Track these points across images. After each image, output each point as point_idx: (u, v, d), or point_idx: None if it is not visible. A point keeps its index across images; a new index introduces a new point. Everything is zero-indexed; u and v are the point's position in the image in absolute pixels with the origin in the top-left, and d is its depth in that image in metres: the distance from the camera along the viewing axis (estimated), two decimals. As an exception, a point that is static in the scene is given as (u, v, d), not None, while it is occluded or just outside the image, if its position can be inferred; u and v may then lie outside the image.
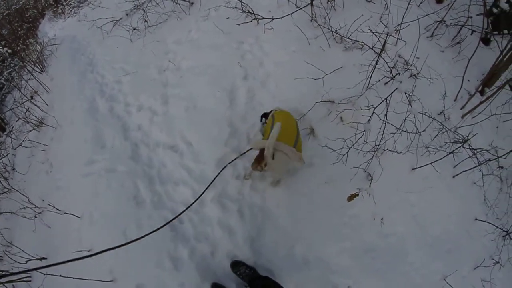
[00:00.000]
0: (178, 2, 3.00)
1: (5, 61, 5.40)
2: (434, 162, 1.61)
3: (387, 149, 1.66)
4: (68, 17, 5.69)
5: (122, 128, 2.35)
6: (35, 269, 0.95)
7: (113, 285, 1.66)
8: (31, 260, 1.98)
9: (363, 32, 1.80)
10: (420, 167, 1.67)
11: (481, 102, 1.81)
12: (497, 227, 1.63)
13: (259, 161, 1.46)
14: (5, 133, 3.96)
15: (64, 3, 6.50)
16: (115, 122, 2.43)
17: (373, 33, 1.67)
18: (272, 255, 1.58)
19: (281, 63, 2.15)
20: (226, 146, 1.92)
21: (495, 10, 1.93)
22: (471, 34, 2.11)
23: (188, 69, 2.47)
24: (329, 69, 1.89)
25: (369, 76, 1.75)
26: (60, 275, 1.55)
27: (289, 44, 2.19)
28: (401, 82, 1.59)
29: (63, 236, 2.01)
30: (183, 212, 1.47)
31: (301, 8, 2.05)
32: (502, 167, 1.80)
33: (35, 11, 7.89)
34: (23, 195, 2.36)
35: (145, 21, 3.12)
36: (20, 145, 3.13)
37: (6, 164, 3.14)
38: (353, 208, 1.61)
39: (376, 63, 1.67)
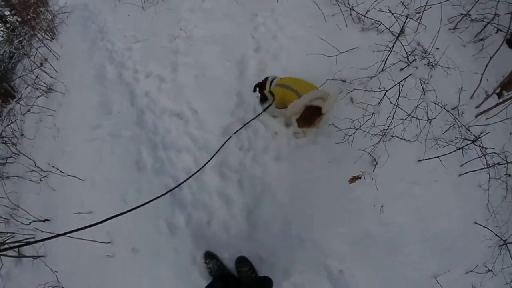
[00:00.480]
0: (194, -31, 2.91)
1: (15, 30, 5.40)
2: (442, 155, 1.57)
3: (395, 136, 1.61)
4: None
5: (129, 94, 2.36)
6: (44, 239, 0.96)
7: (110, 246, 1.70)
8: (34, 221, 2.05)
9: (382, 11, 1.72)
10: (428, 159, 1.62)
11: (497, 104, 1.74)
12: (496, 234, 1.59)
13: (310, 120, 1.51)
14: (15, 100, 4.01)
15: (78, -27, 6.40)
16: (123, 89, 2.43)
17: (392, 13, 1.60)
18: (267, 230, 1.58)
19: (295, 37, 2.09)
20: (232, 116, 1.91)
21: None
22: (496, 32, 2.01)
23: (199, 38, 2.44)
24: (344, 48, 1.83)
25: (385, 59, 1.69)
26: (58, 234, 1.57)
27: (305, 20, 2.13)
28: (417, 68, 1.53)
29: (66, 199, 2.06)
30: (185, 181, 1.47)
31: None
32: (510, 175, 1.75)
33: (47, -23, 7.77)
34: (30, 159, 2.41)
35: None
36: (28, 110, 3.17)
37: (14, 130, 3.19)
38: (354, 191, 1.59)
39: (393, 46, 1.61)
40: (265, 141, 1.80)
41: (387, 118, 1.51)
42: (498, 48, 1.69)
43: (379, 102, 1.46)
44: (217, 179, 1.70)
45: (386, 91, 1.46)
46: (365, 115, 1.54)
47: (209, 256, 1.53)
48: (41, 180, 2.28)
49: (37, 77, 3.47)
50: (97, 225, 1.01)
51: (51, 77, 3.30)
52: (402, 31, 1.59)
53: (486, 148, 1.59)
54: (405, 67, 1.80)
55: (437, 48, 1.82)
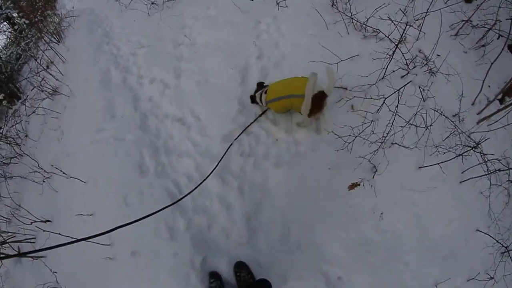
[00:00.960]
0: (199, -22, 2.96)
1: (23, 32, 5.50)
2: (442, 162, 1.57)
3: (395, 143, 1.62)
4: None
5: (133, 99, 2.40)
6: (52, 247, 0.98)
7: (110, 249, 1.71)
8: (36, 222, 2.07)
9: (382, 19, 1.74)
10: (428, 166, 1.62)
11: (499, 110, 1.74)
12: (497, 241, 1.58)
13: (319, 104, 1.60)
14: (20, 101, 4.07)
15: (85, -23, 6.51)
16: (127, 93, 2.47)
17: (392, 21, 1.61)
18: (266, 235, 1.59)
19: (297, 45, 2.12)
20: (234, 122, 1.93)
21: (526, 16, 1.83)
22: (498, 38, 2.01)
23: (203, 44, 2.48)
24: (345, 56, 1.85)
25: (385, 67, 1.70)
26: (60, 233, 1.60)
27: (307, 27, 2.15)
28: (416, 75, 1.54)
29: (68, 200, 2.08)
30: (190, 193, 1.48)
31: None
32: (511, 182, 1.74)
33: (55, -18, 7.91)
34: (34, 160, 2.44)
35: None
36: (33, 112, 3.21)
37: (19, 131, 3.23)
38: (353, 198, 1.59)
39: (393, 53, 1.62)
40: (266, 148, 1.82)
41: (387, 125, 1.52)
42: (499, 53, 1.70)
43: (378, 110, 1.48)
44: (218, 184, 1.72)
45: (385, 98, 1.48)
46: (364, 123, 1.55)
47: (215, 276, 1.53)
48: (44, 181, 2.31)
49: (43, 79, 3.52)
50: (105, 234, 1.02)
51: (56, 79, 3.34)
52: (402, 38, 1.61)
53: (486, 154, 1.59)
54: (405, 75, 1.81)
55: (438, 55, 1.83)
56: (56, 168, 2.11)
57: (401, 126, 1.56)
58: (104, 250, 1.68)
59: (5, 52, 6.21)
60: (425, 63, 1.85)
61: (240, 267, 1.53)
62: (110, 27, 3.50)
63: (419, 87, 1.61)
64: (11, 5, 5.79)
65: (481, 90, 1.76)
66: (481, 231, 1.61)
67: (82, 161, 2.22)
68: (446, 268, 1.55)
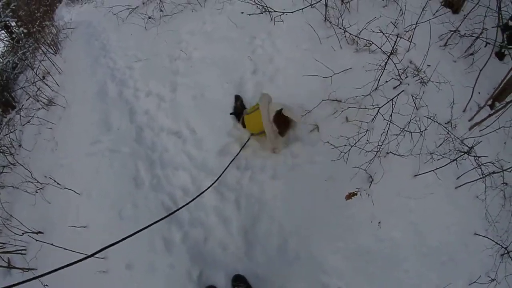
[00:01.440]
0: (195, -6, 3.03)
1: (20, 42, 5.51)
2: (437, 169, 1.59)
3: (390, 152, 1.64)
4: (85, 3, 5.79)
5: (129, 112, 2.41)
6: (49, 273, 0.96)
7: (104, 262, 1.67)
8: (27, 233, 2.02)
9: (374, 32, 1.81)
10: (423, 173, 1.64)
11: (490, 115, 1.78)
12: (496, 243, 1.58)
13: (286, 124, 1.61)
14: (15, 110, 4.04)
15: (82, -11, 6.62)
16: (123, 106, 2.48)
17: (383, 33, 1.67)
18: (264, 247, 1.58)
19: (291, 59, 2.17)
20: (229, 136, 1.94)
21: (511, 23, 1.91)
22: (485, 46, 2.07)
23: (199, 59, 2.52)
24: (339, 69, 1.89)
25: (378, 78, 1.75)
26: (52, 244, 1.57)
27: (301, 42, 2.21)
28: (408, 84, 1.58)
29: (61, 212, 2.05)
30: (186, 204, 1.48)
31: (313, 5, 2.06)
32: (506, 184, 1.76)
33: (53, -6, 7.99)
34: (27, 169, 2.40)
35: (161, 10, 3.16)
36: (28, 121, 3.20)
37: (13, 140, 3.19)
38: (350, 208, 1.59)
39: (385, 65, 1.67)
40: (262, 160, 1.83)
41: (381, 134, 1.54)
42: (487, 60, 1.75)
43: (373, 119, 1.50)
44: (214, 197, 1.72)
45: (379, 108, 1.51)
46: (359, 133, 1.57)
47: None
48: (36, 192, 2.27)
49: (38, 89, 3.51)
50: (102, 251, 1.00)
51: (52, 90, 3.35)
52: (393, 50, 1.66)
53: (480, 157, 1.60)
54: (398, 85, 1.85)
55: (429, 65, 1.87)
56: (50, 178, 2.09)
57: (396, 135, 1.58)
58: (98, 263, 1.64)
59: (1, 60, 6.21)
60: (416, 73, 1.90)
61: (238, 280, 1.50)
62: (107, 40, 3.54)
63: (412, 96, 1.66)
64: (10, 13, 5.81)
65: (471, 97, 1.80)
66: (479, 235, 1.61)
67: (76, 172, 2.21)
68: (446, 273, 1.54)
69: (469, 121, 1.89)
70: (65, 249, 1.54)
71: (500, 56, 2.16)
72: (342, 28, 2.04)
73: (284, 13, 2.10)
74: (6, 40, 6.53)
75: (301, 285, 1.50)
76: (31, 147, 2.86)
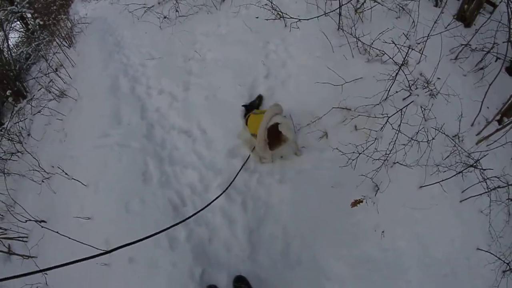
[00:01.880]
0: (210, -3, 3.07)
1: (35, 33, 5.61)
2: (442, 181, 1.59)
3: (397, 162, 1.65)
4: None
5: (140, 108, 2.44)
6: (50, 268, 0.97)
7: (107, 255, 1.68)
8: (30, 220, 2.03)
9: (386, 42, 1.83)
10: (429, 185, 1.65)
11: (497, 130, 1.78)
12: (499, 258, 1.57)
13: (275, 139, 1.61)
14: (26, 99, 4.09)
15: (99, -15, 6.74)
16: (135, 102, 2.51)
17: (395, 44, 1.69)
18: (267, 250, 1.58)
19: (304, 66, 2.20)
20: (239, 138, 1.95)
21: (521, 39, 1.92)
22: (496, 61, 2.09)
23: (212, 60, 2.56)
24: (350, 78, 1.92)
25: (388, 89, 1.77)
26: (58, 232, 1.58)
27: (314, 50, 2.24)
28: (418, 95, 1.60)
29: (66, 202, 2.07)
30: (198, 212, 1.47)
31: (327, 13, 2.09)
32: (511, 199, 1.76)
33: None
34: (35, 158, 2.42)
35: (176, 11, 3.21)
36: (39, 111, 3.23)
37: (22, 128, 3.23)
38: (356, 215, 1.60)
39: (396, 75, 1.69)
40: (270, 164, 1.84)
41: (389, 143, 1.56)
42: (496, 75, 1.75)
43: (382, 128, 1.52)
44: (221, 198, 1.71)
45: (389, 117, 1.52)
46: (368, 141, 1.58)
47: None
48: (42, 181, 2.29)
49: (51, 80, 3.57)
50: (110, 252, 1.01)
51: (65, 82, 3.40)
52: (404, 61, 1.68)
53: (486, 170, 1.59)
54: (407, 96, 1.87)
55: (439, 78, 1.88)
56: (59, 168, 2.09)
57: (404, 144, 1.59)
58: (100, 256, 1.65)
59: (15, 50, 6.32)
60: (426, 85, 1.91)
61: (240, 281, 1.50)
62: (122, 37, 3.60)
63: (421, 107, 1.67)
64: (27, 5, 5.91)
65: (480, 111, 1.81)
66: (482, 249, 1.61)
67: (84, 164, 2.22)
68: (447, 286, 1.54)
69: (476, 135, 1.89)
70: (70, 238, 1.55)
71: (510, 71, 2.17)
72: (355, 37, 2.07)
73: (299, 20, 2.13)
74: (21, 31, 6.65)
75: (303, 290, 1.50)
76: (40, 136, 2.89)
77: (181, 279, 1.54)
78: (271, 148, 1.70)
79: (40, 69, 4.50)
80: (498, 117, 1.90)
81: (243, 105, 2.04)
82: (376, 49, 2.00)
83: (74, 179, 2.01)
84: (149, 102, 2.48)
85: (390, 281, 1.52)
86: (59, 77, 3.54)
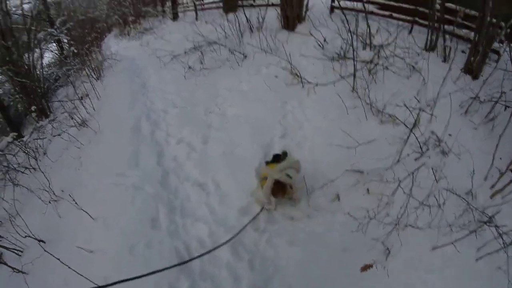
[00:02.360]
0: (234, 53, 3.34)
1: (68, 58, 6.14)
2: (456, 241, 1.52)
3: (409, 225, 1.62)
4: (132, 40, 6.49)
5: (158, 154, 2.49)
6: None
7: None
8: (29, 237, 2.04)
9: (398, 106, 1.91)
10: (441, 246, 1.58)
11: (511, 181, 1.75)
12: None
13: (280, 188, 1.73)
14: (48, 119, 4.31)
15: (131, 26, 7.57)
16: (153, 146, 2.58)
17: (407, 107, 1.77)
18: (274, 312, 1.49)
19: (319, 128, 2.27)
20: (253, 196, 1.94)
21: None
22: (505, 110, 2.11)
23: (233, 116, 2.65)
24: (363, 140, 1.97)
25: (400, 151, 1.81)
26: (59, 259, 1.58)
27: (329, 112, 2.33)
28: (429, 157, 1.62)
29: (71, 230, 2.07)
30: (199, 256, 1.48)
31: (344, 77, 2.23)
32: None
33: (105, 24, 9.18)
34: (46, 178, 2.48)
35: (201, 63, 3.47)
36: (59, 134, 3.39)
37: (40, 146, 3.36)
38: (366, 280, 1.53)
39: (408, 138, 1.74)
40: (281, 225, 1.81)
41: (401, 207, 1.55)
42: (506, 124, 1.77)
43: (393, 193, 1.53)
44: (229, 254, 1.69)
45: (400, 182, 1.54)
46: (379, 205, 1.58)
47: None
48: (50, 202, 2.31)
49: (75, 107, 3.80)
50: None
51: (88, 112, 3.59)
52: (415, 124, 1.74)
53: (500, 226, 1.52)
54: (419, 157, 1.89)
55: (450, 135, 1.88)
56: (70, 196, 2.12)
57: (415, 208, 1.58)
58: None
59: (47, 69, 6.86)
60: (437, 144, 1.93)
61: None
62: (148, 79, 3.81)
63: (432, 168, 1.68)
64: (65, 31, 6.54)
65: (492, 163, 1.78)
66: None
67: (96, 197, 2.25)
68: None
69: (490, 188, 1.83)
70: (69, 267, 1.54)
71: (520, 119, 2.17)
72: (368, 103, 2.18)
73: (317, 85, 2.28)
74: (55, 53, 7.31)
75: None
76: (55, 158, 2.98)
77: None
78: (275, 195, 1.77)
79: (67, 94, 4.81)
80: (511, 167, 1.86)
81: (266, 161, 2.07)
82: (388, 114, 2.07)
83: (83, 210, 2.03)
84: (166, 149, 2.52)
85: None
86: (83, 106, 3.75)
